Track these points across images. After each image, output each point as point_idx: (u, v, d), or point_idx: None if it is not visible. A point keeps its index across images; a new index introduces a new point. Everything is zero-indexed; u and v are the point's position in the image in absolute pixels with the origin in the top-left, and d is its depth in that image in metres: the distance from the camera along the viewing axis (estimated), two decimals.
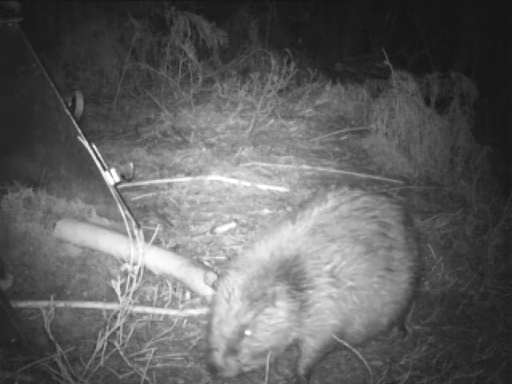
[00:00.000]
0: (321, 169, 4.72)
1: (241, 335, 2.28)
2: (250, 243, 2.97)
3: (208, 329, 2.41)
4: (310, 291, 2.36)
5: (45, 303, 2.81)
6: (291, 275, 2.35)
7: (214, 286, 2.83)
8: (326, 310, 2.39)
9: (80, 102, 3.73)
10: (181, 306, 2.94)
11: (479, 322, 3.15)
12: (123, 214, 3.04)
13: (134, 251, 2.60)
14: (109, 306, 2.91)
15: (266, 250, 2.45)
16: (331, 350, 2.57)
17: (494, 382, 2.65)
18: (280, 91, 5.66)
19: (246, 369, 2.38)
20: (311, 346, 2.47)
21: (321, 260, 2.40)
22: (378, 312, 2.55)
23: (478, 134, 4.89)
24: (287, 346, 2.45)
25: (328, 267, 2.40)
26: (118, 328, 2.46)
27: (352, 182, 4.57)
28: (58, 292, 3.07)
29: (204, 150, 4.90)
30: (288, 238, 2.46)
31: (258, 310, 2.27)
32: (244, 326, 2.28)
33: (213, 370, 2.35)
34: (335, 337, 2.45)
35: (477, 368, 2.66)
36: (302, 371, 2.54)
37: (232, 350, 2.30)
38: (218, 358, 2.31)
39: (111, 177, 3.47)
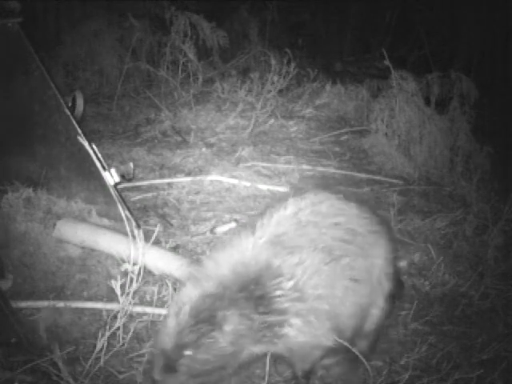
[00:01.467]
0: (321, 169, 4.72)
1: (180, 354, 2.17)
2: (213, 251, 2.80)
3: (155, 339, 2.33)
4: (274, 315, 2.26)
5: (45, 303, 2.81)
6: (253, 298, 2.24)
7: None
8: (290, 330, 2.30)
9: (80, 102, 3.74)
10: None
11: (479, 322, 3.15)
12: (123, 214, 3.04)
13: (133, 251, 2.60)
14: (109, 306, 2.91)
15: (227, 263, 2.30)
16: (323, 354, 2.51)
17: (493, 382, 2.65)
18: (280, 91, 5.66)
19: None
20: (293, 363, 2.47)
21: (284, 277, 2.29)
22: (344, 323, 2.44)
23: (478, 134, 4.89)
24: (244, 363, 2.34)
25: (291, 283, 2.28)
26: (118, 328, 2.46)
27: (352, 182, 4.58)
28: (58, 292, 3.07)
29: (204, 150, 4.90)
30: (250, 253, 2.31)
31: (202, 332, 2.17)
32: (185, 346, 2.16)
33: (150, 381, 2.27)
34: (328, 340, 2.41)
35: (477, 368, 2.67)
36: (300, 373, 2.54)
37: (170, 367, 2.19)
38: (156, 372, 2.21)
39: (111, 177, 3.47)
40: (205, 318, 2.17)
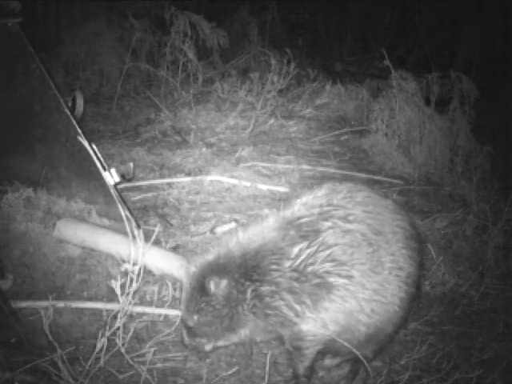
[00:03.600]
0: (321, 169, 4.72)
1: (191, 320, 2.47)
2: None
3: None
4: (266, 285, 2.38)
5: (45, 303, 2.81)
6: (248, 267, 2.40)
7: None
8: (281, 304, 2.38)
9: (80, 102, 3.73)
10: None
11: (479, 322, 3.15)
12: (123, 214, 3.05)
13: (133, 251, 2.59)
14: (109, 306, 2.91)
15: (236, 241, 2.49)
16: (320, 348, 2.50)
17: (493, 382, 2.65)
18: (280, 91, 5.67)
19: (216, 346, 2.56)
20: (287, 343, 2.48)
21: (285, 255, 2.38)
22: (355, 317, 2.42)
23: (478, 134, 4.89)
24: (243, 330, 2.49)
25: (290, 262, 2.38)
26: (118, 328, 2.46)
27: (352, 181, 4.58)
28: (58, 292, 3.06)
29: (204, 149, 4.90)
30: (262, 230, 2.47)
31: (196, 298, 2.44)
32: (192, 312, 2.46)
33: (184, 345, 2.59)
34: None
35: (477, 368, 2.67)
36: (301, 371, 2.53)
37: (190, 332, 2.51)
38: (183, 336, 2.56)
39: (111, 177, 3.47)
40: (197, 286, 2.43)
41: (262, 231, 2.48)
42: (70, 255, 3.33)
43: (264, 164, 4.69)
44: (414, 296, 2.54)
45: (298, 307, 2.38)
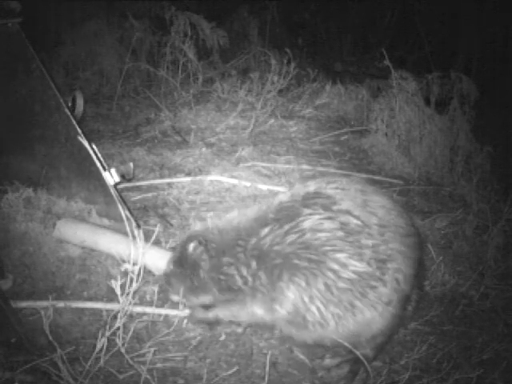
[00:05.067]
0: (321, 169, 4.71)
1: (168, 267, 2.79)
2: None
3: None
4: (225, 255, 2.56)
5: (45, 303, 2.81)
6: (221, 242, 2.59)
7: None
8: (235, 273, 2.53)
9: (80, 102, 3.73)
10: (181, 305, 2.93)
11: (479, 322, 3.15)
12: (123, 214, 3.04)
13: (133, 251, 2.59)
14: (109, 306, 2.91)
15: (223, 220, 2.72)
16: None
17: (493, 382, 2.65)
18: (280, 91, 5.66)
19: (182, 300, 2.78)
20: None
21: (254, 234, 2.52)
22: (320, 303, 2.43)
23: (478, 134, 4.89)
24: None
25: (255, 240, 2.50)
26: (118, 328, 2.46)
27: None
28: (58, 292, 3.07)
29: (204, 149, 4.90)
30: (245, 213, 2.67)
31: (178, 254, 2.73)
32: (170, 262, 2.79)
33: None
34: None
35: (477, 368, 2.66)
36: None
37: (167, 280, 2.79)
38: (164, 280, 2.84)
39: (111, 177, 3.47)
40: (181, 244, 2.71)
41: (246, 213, 2.64)
42: (70, 255, 3.33)
43: (264, 164, 4.69)
44: (407, 294, 2.50)
45: (250, 279, 2.50)
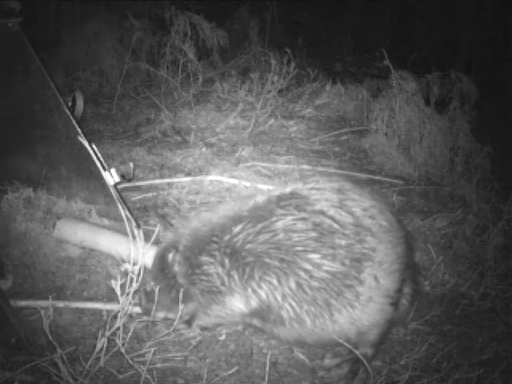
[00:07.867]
0: (321, 169, 4.71)
1: (149, 285, 2.76)
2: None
3: None
4: (202, 253, 2.58)
5: (45, 303, 2.81)
6: (195, 242, 2.62)
7: None
8: (213, 272, 2.55)
9: (80, 102, 3.73)
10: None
11: (479, 321, 3.15)
12: (123, 214, 3.04)
13: (133, 251, 2.59)
14: (109, 306, 2.92)
15: (199, 220, 2.73)
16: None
17: (493, 382, 2.65)
18: (280, 91, 5.66)
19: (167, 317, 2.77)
20: (202, 309, 2.68)
21: (227, 232, 2.54)
22: (292, 302, 2.46)
23: (478, 134, 4.88)
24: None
25: (228, 237, 2.52)
26: (118, 328, 2.46)
27: (352, 182, 4.56)
28: (58, 292, 3.07)
29: (204, 150, 4.90)
30: (220, 213, 2.68)
31: (157, 267, 2.76)
32: (150, 279, 2.80)
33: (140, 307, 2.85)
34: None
35: (477, 368, 2.66)
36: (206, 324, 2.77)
37: (148, 296, 2.75)
38: (141, 298, 2.79)
39: (111, 177, 3.47)
40: (159, 255, 2.75)
41: (221, 213, 2.65)
42: (70, 255, 3.34)
43: (264, 164, 4.69)
44: (394, 289, 2.49)
45: (225, 278, 2.53)
